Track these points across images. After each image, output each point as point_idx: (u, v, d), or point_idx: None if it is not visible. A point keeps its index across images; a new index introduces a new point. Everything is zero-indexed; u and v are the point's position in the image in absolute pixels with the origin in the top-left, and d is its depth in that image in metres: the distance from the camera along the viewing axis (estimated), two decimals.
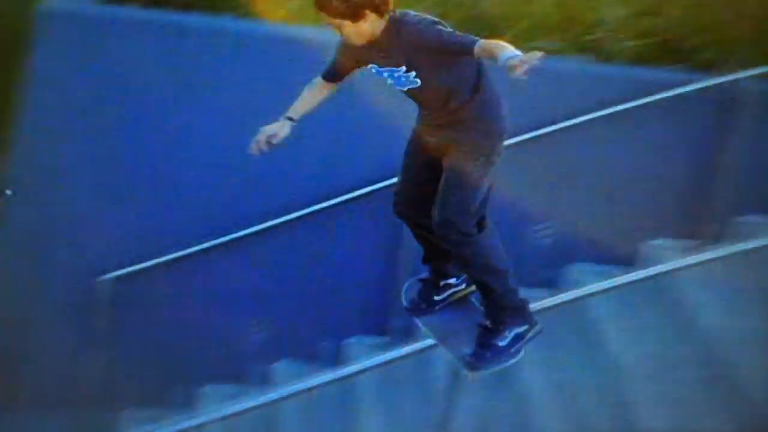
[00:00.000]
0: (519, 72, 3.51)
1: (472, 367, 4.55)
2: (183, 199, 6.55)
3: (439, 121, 4.25)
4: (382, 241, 6.47)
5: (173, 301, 6.47)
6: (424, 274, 4.81)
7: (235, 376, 6.62)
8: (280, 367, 6.64)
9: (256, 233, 6.42)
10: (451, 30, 3.93)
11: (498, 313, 4.50)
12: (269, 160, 4.42)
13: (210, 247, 6.43)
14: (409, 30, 3.98)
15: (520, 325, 4.51)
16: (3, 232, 6.49)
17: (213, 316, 6.52)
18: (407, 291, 4.91)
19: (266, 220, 6.42)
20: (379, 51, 4.07)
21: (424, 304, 4.81)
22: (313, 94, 4.34)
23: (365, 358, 5.54)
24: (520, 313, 4.53)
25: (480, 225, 4.36)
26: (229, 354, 6.60)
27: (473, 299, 4.80)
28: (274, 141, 4.20)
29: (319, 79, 4.33)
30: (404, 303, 4.86)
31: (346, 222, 6.52)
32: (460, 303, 4.82)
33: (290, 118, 4.24)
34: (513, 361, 4.54)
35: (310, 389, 5.39)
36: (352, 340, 6.52)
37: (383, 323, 6.55)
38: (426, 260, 4.72)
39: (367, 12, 3.95)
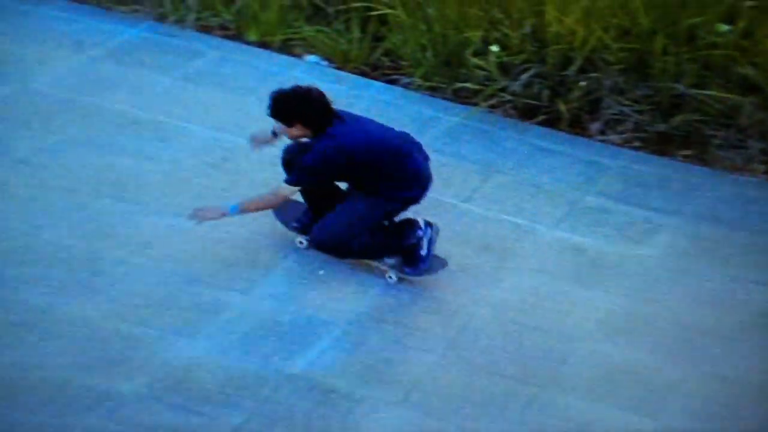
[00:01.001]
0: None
1: (416, 274, 5.38)
2: None
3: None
4: None
5: None
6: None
7: None
8: None
9: None
10: (303, 173, 5.17)
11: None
12: None
13: None
14: (309, 151, 5.18)
15: (423, 237, 5.34)
16: None
17: None
18: (281, 213, 5.57)
19: None
20: None
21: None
22: None
23: None
24: (411, 242, 5.34)
25: None
26: None
27: None
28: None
29: None
30: (291, 223, 5.57)
31: None
32: None
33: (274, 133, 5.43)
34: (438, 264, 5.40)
35: None
36: None
37: None
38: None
39: (298, 123, 5.16)
